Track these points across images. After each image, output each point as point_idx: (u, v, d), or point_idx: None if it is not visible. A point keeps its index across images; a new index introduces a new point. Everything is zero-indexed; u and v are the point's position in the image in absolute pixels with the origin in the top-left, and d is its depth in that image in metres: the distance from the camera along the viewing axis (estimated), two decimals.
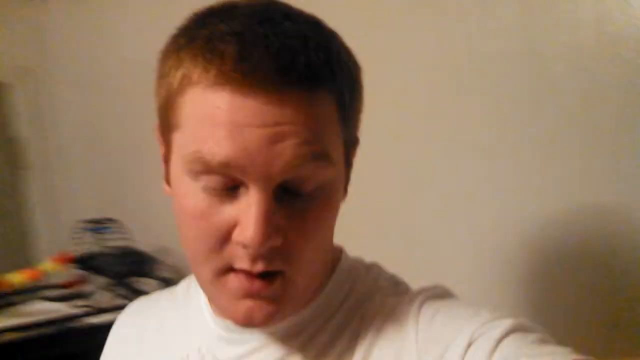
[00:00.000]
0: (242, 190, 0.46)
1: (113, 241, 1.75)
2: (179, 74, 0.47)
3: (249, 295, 0.49)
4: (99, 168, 2.11)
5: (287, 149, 0.45)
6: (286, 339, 0.55)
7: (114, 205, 1.97)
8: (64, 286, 1.73)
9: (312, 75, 0.45)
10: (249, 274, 0.48)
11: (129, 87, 1.79)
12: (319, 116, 0.46)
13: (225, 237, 0.47)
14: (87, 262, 1.72)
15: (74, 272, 1.74)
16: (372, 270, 0.60)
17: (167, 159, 0.52)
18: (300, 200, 0.48)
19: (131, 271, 1.67)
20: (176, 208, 0.51)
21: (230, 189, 0.47)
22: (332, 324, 0.55)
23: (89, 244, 1.76)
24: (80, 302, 1.63)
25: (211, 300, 0.56)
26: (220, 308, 0.54)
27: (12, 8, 2.16)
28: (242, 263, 0.48)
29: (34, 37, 2.21)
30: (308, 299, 0.56)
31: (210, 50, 0.45)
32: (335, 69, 0.47)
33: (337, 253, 0.60)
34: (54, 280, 1.75)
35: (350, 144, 0.54)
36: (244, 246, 0.46)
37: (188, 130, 0.47)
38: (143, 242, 1.74)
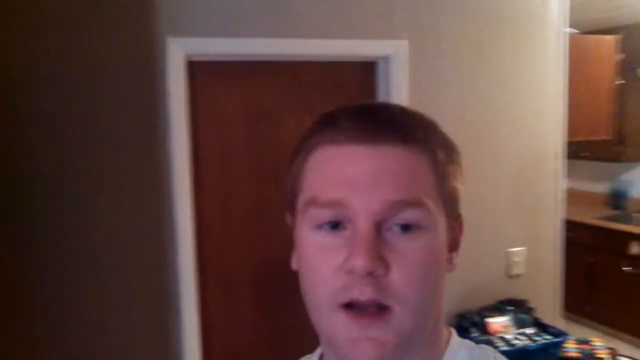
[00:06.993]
0: (348, 226, 0.56)
1: None
2: (308, 145, 0.60)
3: (361, 327, 0.55)
4: None
5: (386, 189, 0.55)
6: None
7: None
8: None
9: (406, 133, 0.57)
10: (360, 309, 0.55)
11: None
12: (413, 168, 0.57)
13: (336, 270, 0.55)
14: None
15: None
16: (483, 351, 0.65)
17: (293, 230, 0.62)
18: (402, 240, 0.55)
19: None
20: (299, 262, 0.60)
21: (340, 226, 0.56)
22: None
23: None
24: None
25: (330, 342, 0.60)
26: (337, 348, 0.58)
27: None
28: (353, 292, 0.54)
29: None
30: None
31: (328, 122, 0.60)
32: (429, 134, 0.59)
33: (448, 332, 0.66)
34: None
35: (450, 207, 0.61)
36: (353, 271, 0.54)
37: (309, 183, 0.59)
38: None
